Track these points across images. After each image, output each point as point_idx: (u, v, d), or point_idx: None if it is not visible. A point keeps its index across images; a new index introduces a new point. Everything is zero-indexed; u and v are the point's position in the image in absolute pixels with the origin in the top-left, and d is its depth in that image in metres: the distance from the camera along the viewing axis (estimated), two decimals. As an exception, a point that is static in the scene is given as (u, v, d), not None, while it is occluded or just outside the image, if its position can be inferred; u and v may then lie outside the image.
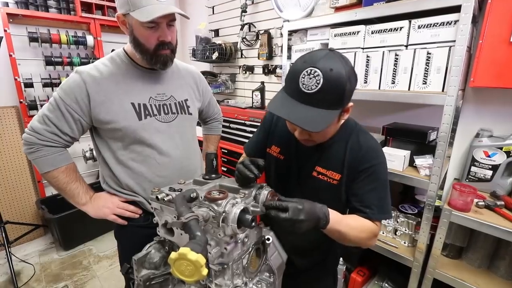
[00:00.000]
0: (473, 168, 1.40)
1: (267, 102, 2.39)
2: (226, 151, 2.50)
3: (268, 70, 2.43)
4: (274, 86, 2.43)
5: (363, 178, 0.84)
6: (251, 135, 2.37)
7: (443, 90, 1.20)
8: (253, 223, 0.61)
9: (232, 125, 2.43)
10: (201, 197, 0.65)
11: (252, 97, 2.27)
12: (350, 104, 0.77)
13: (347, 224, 0.79)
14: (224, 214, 0.61)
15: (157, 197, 0.70)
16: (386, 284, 1.67)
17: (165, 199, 0.68)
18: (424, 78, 1.24)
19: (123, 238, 1.11)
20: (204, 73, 2.78)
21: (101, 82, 0.93)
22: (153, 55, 0.93)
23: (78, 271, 2.29)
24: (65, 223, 2.42)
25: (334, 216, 0.76)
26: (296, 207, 0.66)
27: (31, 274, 2.20)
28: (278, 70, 2.32)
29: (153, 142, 1.00)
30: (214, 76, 2.77)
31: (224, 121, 2.52)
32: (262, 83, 2.25)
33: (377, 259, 1.85)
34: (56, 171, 0.94)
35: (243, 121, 2.31)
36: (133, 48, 0.94)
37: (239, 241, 0.69)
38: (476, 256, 1.34)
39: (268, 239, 0.91)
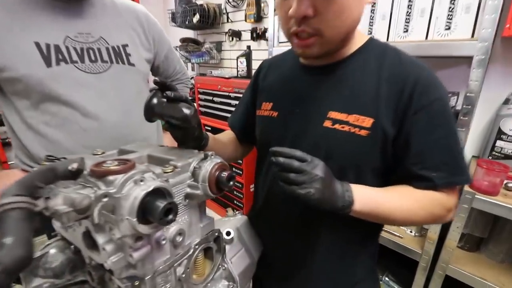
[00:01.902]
0: (498, 143, 1.14)
1: (254, 71, 2.09)
2: (209, 129, 2.23)
3: (257, 35, 2.11)
4: (263, 53, 2.11)
5: (420, 122, 0.54)
6: (236, 110, 2.11)
7: (472, 36, 0.90)
8: (170, 216, 0.34)
9: (215, 99, 2.14)
10: (87, 171, 0.38)
11: (237, 64, 1.96)
12: None
13: (390, 204, 0.55)
14: (118, 198, 0.34)
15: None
16: (387, 278, 1.45)
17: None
18: (447, 22, 0.94)
19: None
20: (185, 40, 2.45)
21: None
22: None
23: None
24: None
25: (362, 195, 0.54)
26: (315, 159, 0.50)
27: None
28: (268, 34, 1.99)
29: (73, 100, 0.72)
30: (196, 43, 2.44)
31: (206, 94, 2.23)
32: (249, 47, 1.93)
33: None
34: None
35: (227, 93, 2.01)
36: None
37: (164, 241, 0.42)
38: (499, 249, 1.10)
39: (229, 233, 0.65)
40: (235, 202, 2.19)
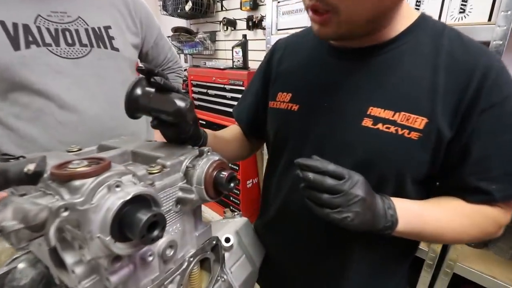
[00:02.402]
0: None
1: (250, 62, 2.00)
2: (204, 123, 2.14)
3: (253, 23, 2.00)
4: (260, 43, 2.02)
5: (487, 124, 0.44)
6: (232, 102, 2.02)
7: (489, 20, 0.84)
8: (156, 232, 0.27)
9: (210, 91, 2.04)
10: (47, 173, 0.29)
11: (232, 55, 1.87)
12: None
13: (438, 221, 0.48)
14: (84, 210, 0.26)
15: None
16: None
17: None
18: (462, 4, 0.87)
19: None
20: (177, 29, 2.33)
21: None
22: None
23: None
24: None
25: (405, 212, 0.46)
26: (353, 174, 0.42)
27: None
28: (264, 22, 1.90)
29: (47, 89, 0.63)
30: (189, 33, 2.33)
31: (200, 86, 2.13)
32: (244, 36, 1.83)
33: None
34: None
35: (222, 85, 1.92)
36: None
37: (151, 257, 0.35)
38: (508, 246, 1.06)
39: (228, 240, 0.58)
40: (231, 199, 2.12)
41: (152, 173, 0.34)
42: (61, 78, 0.64)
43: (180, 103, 0.39)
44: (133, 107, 0.41)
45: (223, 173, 0.38)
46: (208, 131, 0.58)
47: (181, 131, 0.45)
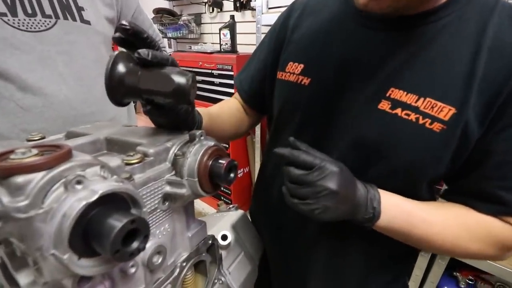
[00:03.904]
0: None
1: (239, 47, 1.89)
2: (191, 111, 2.03)
3: (241, 4, 1.89)
4: (249, 26, 1.91)
5: None
6: (220, 88, 1.92)
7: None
8: (136, 243, 0.20)
9: (196, 77, 1.93)
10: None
11: (220, 37, 1.76)
12: None
13: (428, 225, 0.42)
14: (29, 218, 0.18)
15: None
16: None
17: None
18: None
19: None
20: (159, 11, 2.18)
21: None
22: None
23: None
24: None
25: (393, 207, 0.42)
26: (327, 164, 0.38)
27: None
28: (253, 3, 1.79)
29: (5, 68, 0.53)
30: (172, 15, 2.18)
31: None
32: (232, 17, 1.72)
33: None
34: None
35: (209, 71, 1.82)
36: None
37: (133, 269, 0.28)
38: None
39: (225, 237, 0.52)
40: (222, 189, 2.06)
41: (130, 163, 0.27)
42: (21, 54, 0.54)
43: (180, 79, 0.29)
44: (118, 91, 0.31)
45: (220, 161, 0.31)
46: (201, 110, 0.50)
47: (180, 117, 0.35)
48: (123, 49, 0.33)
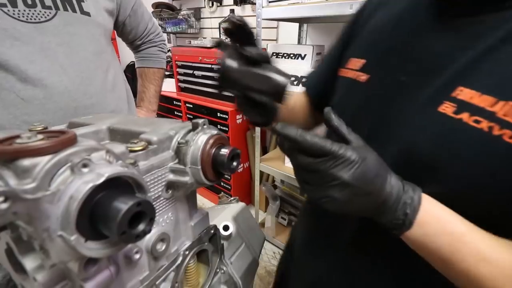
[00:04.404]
0: None
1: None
2: (190, 106, 2.03)
3: (241, -2, 1.88)
4: (249, 20, 1.89)
5: None
6: (220, 84, 1.91)
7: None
8: (142, 225, 0.20)
9: (196, 72, 1.93)
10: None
11: (219, 31, 1.75)
12: None
13: (484, 261, 0.30)
14: (37, 200, 0.18)
15: None
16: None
17: None
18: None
19: None
20: (158, 5, 2.16)
21: None
22: None
23: None
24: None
25: (432, 219, 0.32)
26: (347, 151, 0.30)
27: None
28: (252, -3, 1.77)
29: (5, 59, 0.53)
30: (171, 9, 2.16)
31: (186, 67, 2.00)
32: (232, 11, 1.71)
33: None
34: None
35: (209, 65, 1.81)
36: None
37: (138, 255, 0.28)
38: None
39: (226, 227, 0.52)
40: (222, 184, 2.06)
41: (134, 150, 0.27)
42: (21, 45, 0.54)
43: (281, 79, 0.33)
44: (225, 82, 0.37)
45: (223, 150, 0.31)
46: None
47: (272, 112, 0.37)
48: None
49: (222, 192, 2.08)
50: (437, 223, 0.32)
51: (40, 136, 0.21)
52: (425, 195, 0.33)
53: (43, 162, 0.19)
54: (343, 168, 0.30)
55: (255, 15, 1.37)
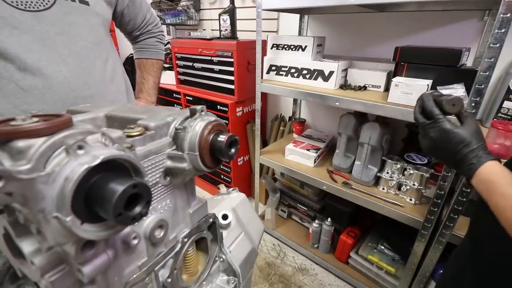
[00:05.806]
0: (506, 103, 1.09)
1: (239, 33, 1.86)
2: (191, 99, 2.02)
3: (241, -11, 1.85)
4: (249, 11, 1.87)
5: None
6: (220, 75, 1.89)
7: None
8: (138, 208, 0.20)
9: (196, 64, 1.91)
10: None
11: (219, 23, 1.73)
12: None
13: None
14: (32, 180, 0.18)
15: None
16: (382, 246, 1.43)
17: None
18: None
19: None
20: (157, -4, 2.13)
21: None
22: None
23: None
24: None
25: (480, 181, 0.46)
26: (444, 124, 0.49)
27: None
28: (252, -13, 1.74)
29: (3, 47, 0.52)
30: (170, 0, 2.14)
31: (185, 59, 1.99)
32: (232, 2, 1.69)
33: (369, 217, 1.61)
34: None
35: (209, 57, 1.79)
36: None
37: (136, 240, 0.28)
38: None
39: (225, 216, 0.52)
40: (222, 177, 2.07)
41: (131, 135, 0.27)
42: (19, 34, 0.53)
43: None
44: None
45: (221, 136, 0.31)
46: None
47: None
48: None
49: (222, 184, 2.09)
50: (488, 179, 0.45)
51: (35, 119, 0.21)
52: (493, 163, 0.46)
53: (38, 143, 0.19)
54: (434, 131, 0.50)
55: (255, 6, 1.35)
